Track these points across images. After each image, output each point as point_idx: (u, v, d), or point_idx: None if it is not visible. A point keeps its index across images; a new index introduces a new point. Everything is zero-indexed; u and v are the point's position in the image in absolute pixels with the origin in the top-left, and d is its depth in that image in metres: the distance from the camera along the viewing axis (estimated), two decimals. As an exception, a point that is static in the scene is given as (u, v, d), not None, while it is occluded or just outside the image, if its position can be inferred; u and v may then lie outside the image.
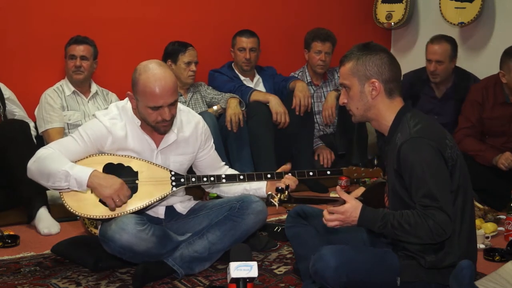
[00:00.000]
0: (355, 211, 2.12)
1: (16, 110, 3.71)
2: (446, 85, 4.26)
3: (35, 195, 3.28)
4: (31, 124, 3.76)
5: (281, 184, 2.68)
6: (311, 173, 2.84)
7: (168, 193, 2.65)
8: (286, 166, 2.82)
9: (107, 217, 2.53)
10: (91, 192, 2.55)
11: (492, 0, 4.62)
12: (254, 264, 2.04)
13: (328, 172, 2.93)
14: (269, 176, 2.77)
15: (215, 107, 4.11)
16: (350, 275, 2.10)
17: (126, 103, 2.69)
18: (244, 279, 2.03)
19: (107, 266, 2.70)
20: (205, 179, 2.72)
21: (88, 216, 2.56)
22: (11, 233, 3.15)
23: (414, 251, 2.15)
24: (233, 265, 2.03)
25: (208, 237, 2.67)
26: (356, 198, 2.20)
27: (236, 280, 2.03)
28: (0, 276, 2.64)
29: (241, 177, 2.76)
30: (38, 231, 3.24)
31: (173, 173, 2.68)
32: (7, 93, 3.70)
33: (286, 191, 2.16)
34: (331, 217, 2.15)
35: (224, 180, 2.75)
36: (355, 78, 2.21)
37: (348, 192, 2.31)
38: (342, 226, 2.18)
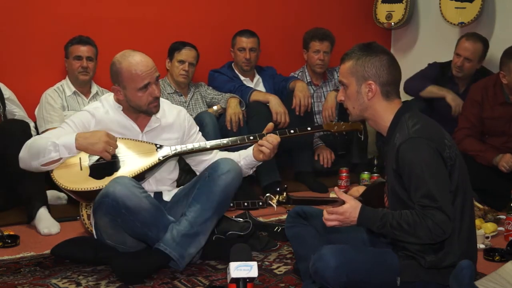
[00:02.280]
0: (354, 211, 2.12)
1: (16, 110, 3.71)
2: (468, 81, 4.27)
3: (35, 195, 3.28)
4: (31, 124, 3.76)
5: (260, 154, 2.73)
6: (292, 131, 2.90)
7: (156, 162, 2.72)
8: (270, 125, 2.87)
9: (99, 188, 2.61)
10: (81, 169, 2.64)
11: (492, 0, 4.62)
12: (254, 264, 2.05)
13: (309, 128, 2.99)
14: (251, 138, 2.84)
15: (215, 107, 4.12)
16: (350, 275, 2.10)
17: (108, 96, 2.85)
18: (244, 279, 2.03)
19: (107, 256, 2.68)
20: (190, 146, 2.79)
21: (81, 190, 2.63)
22: (11, 233, 3.15)
23: (414, 251, 2.15)
24: (233, 265, 2.03)
25: (190, 212, 2.67)
26: (356, 198, 2.21)
27: (236, 280, 2.04)
28: (0, 276, 2.64)
29: (225, 141, 2.84)
30: (38, 231, 3.24)
31: (158, 145, 2.76)
32: (7, 93, 3.70)
33: (284, 192, 2.16)
34: (330, 217, 2.16)
35: (208, 146, 2.82)
36: (353, 77, 2.21)
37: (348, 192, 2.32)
38: (342, 226, 2.18)
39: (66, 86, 3.89)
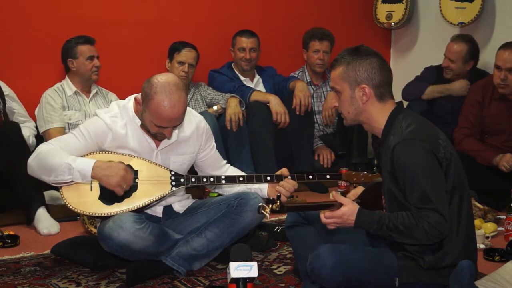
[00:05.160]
0: (352, 214, 2.13)
1: (15, 107, 3.70)
2: None
3: (32, 197, 3.27)
4: (32, 124, 3.76)
5: (272, 195, 2.72)
6: (310, 177, 2.84)
7: (167, 193, 2.65)
8: (284, 171, 2.82)
9: (106, 214, 2.54)
10: (91, 190, 2.57)
11: (492, 0, 4.62)
12: (254, 264, 2.04)
13: (328, 176, 2.92)
14: (268, 178, 2.78)
15: (215, 107, 4.12)
16: (346, 274, 2.11)
17: (128, 102, 2.69)
18: (244, 279, 2.03)
19: (107, 265, 2.70)
20: (204, 179, 2.73)
21: (88, 214, 2.57)
22: (11, 233, 3.15)
23: (413, 252, 2.15)
24: (233, 265, 2.03)
25: (206, 234, 2.67)
26: (353, 200, 2.20)
27: (236, 280, 2.04)
28: (0, 276, 2.64)
29: (241, 179, 2.77)
30: (38, 232, 3.24)
31: (173, 173, 2.68)
32: (7, 90, 3.69)
33: (278, 201, 2.14)
34: (328, 220, 2.16)
35: (223, 181, 2.75)
36: (346, 83, 2.20)
37: (347, 192, 2.31)
38: (340, 227, 2.19)
39: (67, 86, 3.88)
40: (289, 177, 2.78)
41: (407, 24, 5.20)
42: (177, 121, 2.56)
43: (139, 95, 2.60)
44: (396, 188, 2.14)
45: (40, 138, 3.73)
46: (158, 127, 2.55)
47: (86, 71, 3.83)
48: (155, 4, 4.46)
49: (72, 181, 2.54)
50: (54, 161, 2.52)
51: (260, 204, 2.19)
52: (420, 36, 5.25)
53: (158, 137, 2.64)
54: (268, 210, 2.14)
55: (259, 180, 2.78)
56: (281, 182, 2.76)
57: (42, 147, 2.59)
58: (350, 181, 2.91)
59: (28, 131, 3.67)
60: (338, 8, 5.20)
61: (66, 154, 2.54)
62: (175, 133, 2.70)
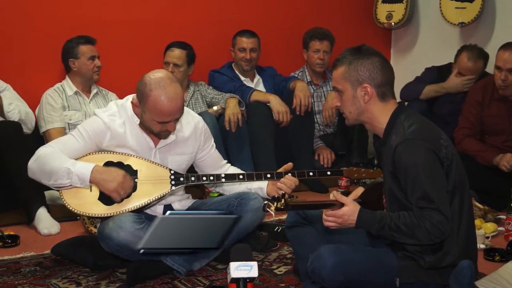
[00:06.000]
0: (353, 214, 2.12)
1: (10, 96, 3.57)
2: None
3: (33, 196, 3.27)
4: (25, 106, 3.62)
5: (275, 193, 2.71)
6: (311, 173, 2.84)
7: (167, 192, 2.65)
8: (288, 165, 2.82)
9: (106, 215, 2.54)
10: (91, 191, 2.57)
11: (492, 0, 4.62)
12: (254, 264, 2.04)
13: (329, 173, 2.92)
14: (268, 176, 2.78)
15: (215, 107, 4.11)
16: (347, 274, 2.11)
17: (126, 101, 2.70)
18: (244, 279, 2.03)
19: (107, 265, 2.70)
20: (204, 178, 2.73)
21: (88, 215, 2.57)
22: (11, 233, 3.15)
23: (413, 252, 2.15)
24: (233, 265, 2.03)
25: None
26: (354, 200, 2.20)
27: (236, 280, 2.03)
28: (0, 276, 2.64)
29: (241, 176, 2.76)
30: (38, 232, 3.24)
31: (172, 172, 2.68)
32: (4, 85, 3.63)
33: (283, 199, 2.15)
34: (329, 219, 2.16)
35: (223, 180, 2.75)
36: (347, 83, 2.20)
37: (348, 192, 2.31)
38: (341, 228, 2.19)
39: (67, 86, 3.88)
40: (289, 174, 2.78)
41: (407, 24, 5.20)
42: (178, 113, 2.56)
43: (134, 99, 2.60)
44: (397, 188, 2.14)
45: (41, 138, 3.73)
46: (161, 124, 2.55)
47: (88, 71, 3.83)
48: (155, 4, 4.47)
49: (71, 185, 2.54)
50: (53, 165, 2.52)
51: (265, 202, 2.19)
52: (420, 36, 5.25)
53: (161, 136, 2.64)
54: (273, 208, 2.15)
55: (259, 178, 2.78)
56: (281, 179, 2.76)
57: (42, 150, 2.59)
58: (351, 177, 2.92)
59: (14, 105, 3.47)
60: (338, 8, 5.20)
61: (66, 158, 2.54)
62: (174, 132, 2.69)
